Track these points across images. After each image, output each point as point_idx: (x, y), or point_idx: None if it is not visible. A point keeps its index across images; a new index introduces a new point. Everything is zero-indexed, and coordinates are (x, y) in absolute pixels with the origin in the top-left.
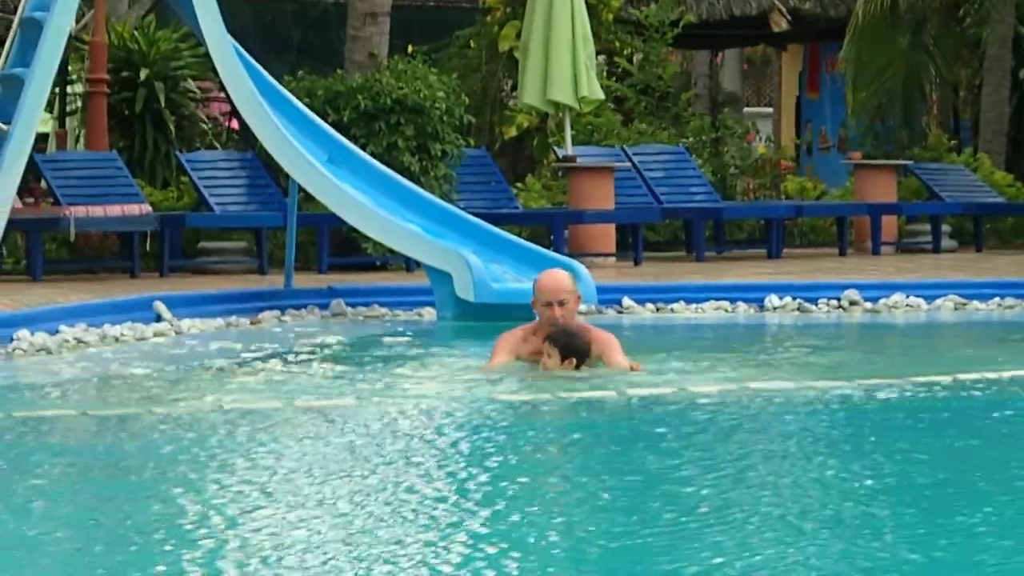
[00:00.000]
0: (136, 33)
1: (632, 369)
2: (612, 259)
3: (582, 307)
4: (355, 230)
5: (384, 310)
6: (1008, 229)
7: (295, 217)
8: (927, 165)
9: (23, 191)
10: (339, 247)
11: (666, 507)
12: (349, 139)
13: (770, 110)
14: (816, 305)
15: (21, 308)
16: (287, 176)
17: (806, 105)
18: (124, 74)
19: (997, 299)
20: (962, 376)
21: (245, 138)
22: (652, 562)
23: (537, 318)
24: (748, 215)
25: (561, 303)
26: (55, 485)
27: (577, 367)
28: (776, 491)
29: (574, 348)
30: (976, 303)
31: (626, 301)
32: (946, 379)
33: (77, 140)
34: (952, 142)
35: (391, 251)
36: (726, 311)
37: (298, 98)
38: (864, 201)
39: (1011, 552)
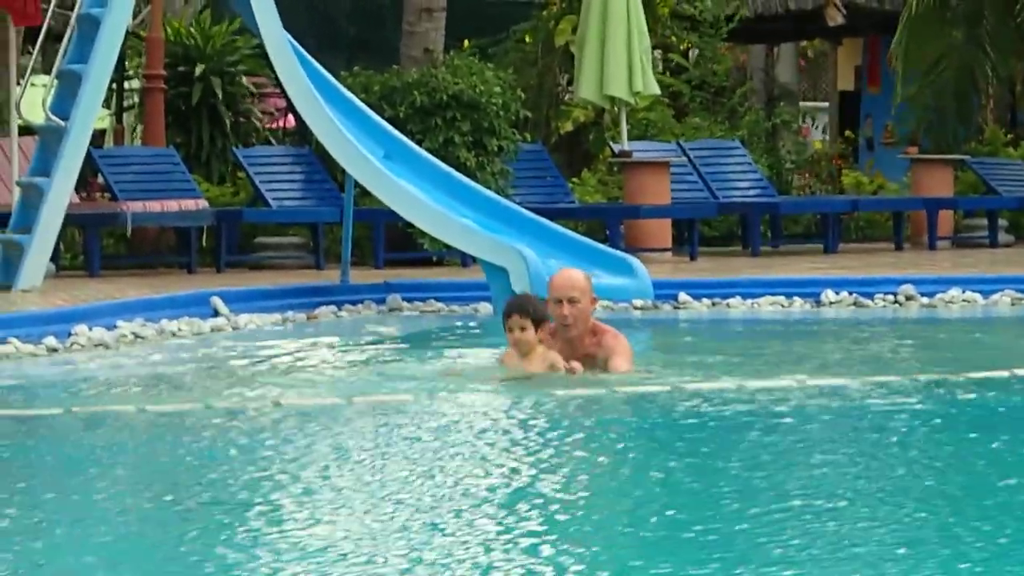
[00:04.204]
0: (192, 28)
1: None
2: (668, 254)
3: (638, 302)
4: (411, 225)
5: (440, 305)
6: None
7: (351, 212)
8: (984, 160)
9: (80, 186)
10: (395, 242)
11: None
12: (405, 135)
13: (825, 104)
14: (872, 300)
15: (79, 303)
16: (343, 171)
17: (866, 99)
18: (180, 68)
19: None
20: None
21: (301, 134)
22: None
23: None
24: (804, 210)
25: (571, 301)
26: (112, 482)
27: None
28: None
29: (541, 312)
30: None
31: (682, 296)
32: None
33: (134, 135)
34: (1009, 136)
35: (447, 246)
36: (782, 306)
37: (354, 94)
38: (920, 196)
39: None
